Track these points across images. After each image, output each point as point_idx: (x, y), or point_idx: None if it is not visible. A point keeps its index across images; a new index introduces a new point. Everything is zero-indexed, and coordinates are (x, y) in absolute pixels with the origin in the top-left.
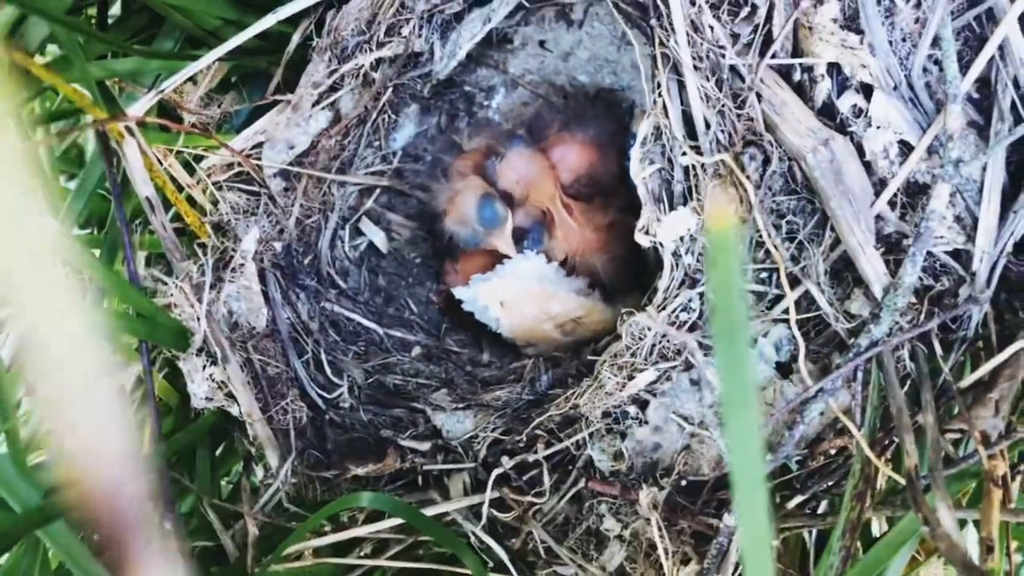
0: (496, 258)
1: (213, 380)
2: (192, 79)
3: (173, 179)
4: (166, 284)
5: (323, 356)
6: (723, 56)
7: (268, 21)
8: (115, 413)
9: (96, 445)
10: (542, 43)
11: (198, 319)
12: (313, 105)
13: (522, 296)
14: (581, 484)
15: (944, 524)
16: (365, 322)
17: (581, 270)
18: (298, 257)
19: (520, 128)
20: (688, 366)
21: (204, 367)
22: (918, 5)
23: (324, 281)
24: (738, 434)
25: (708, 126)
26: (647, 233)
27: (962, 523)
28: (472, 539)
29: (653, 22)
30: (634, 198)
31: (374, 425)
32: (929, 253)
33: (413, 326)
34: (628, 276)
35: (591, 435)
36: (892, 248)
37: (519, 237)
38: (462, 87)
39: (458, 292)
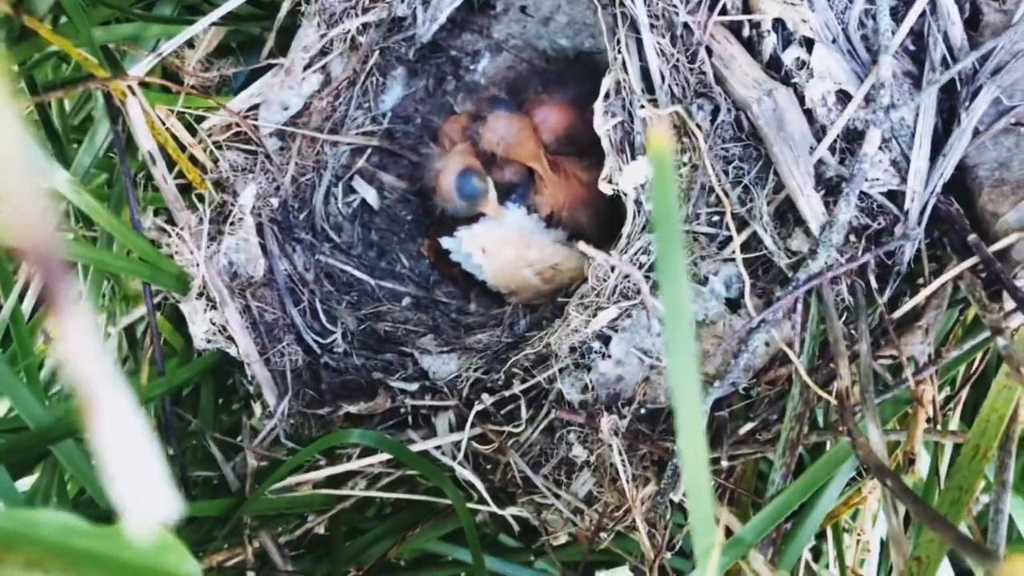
0: None
1: (213, 323)
2: (190, 44)
3: (175, 138)
4: (168, 233)
5: (318, 304)
6: (676, 14)
7: None
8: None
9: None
10: (523, 8)
11: (197, 264)
12: (305, 68)
13: (502, 243)
14: (553, 415)
15: (870, 438)
16: (358, 274)
17: (568, 223)
18: (294, 212)
19: (503, 91)
20: (645, 304)
21: (204, 310)
22: None
23: (319, 235)
24: (675, 340)
25: (663, 79)
26: (610, 182)
27: (895, 444)
28: (457, 473)
29: None
30: None
31: (366, 368)
32: (866, 194)
33: (404, 278)
34: (608, 229)
35: (560, 370)
36: (832, 191)
37: (506, 191)
38: (448, 51)
39: (445, 241)
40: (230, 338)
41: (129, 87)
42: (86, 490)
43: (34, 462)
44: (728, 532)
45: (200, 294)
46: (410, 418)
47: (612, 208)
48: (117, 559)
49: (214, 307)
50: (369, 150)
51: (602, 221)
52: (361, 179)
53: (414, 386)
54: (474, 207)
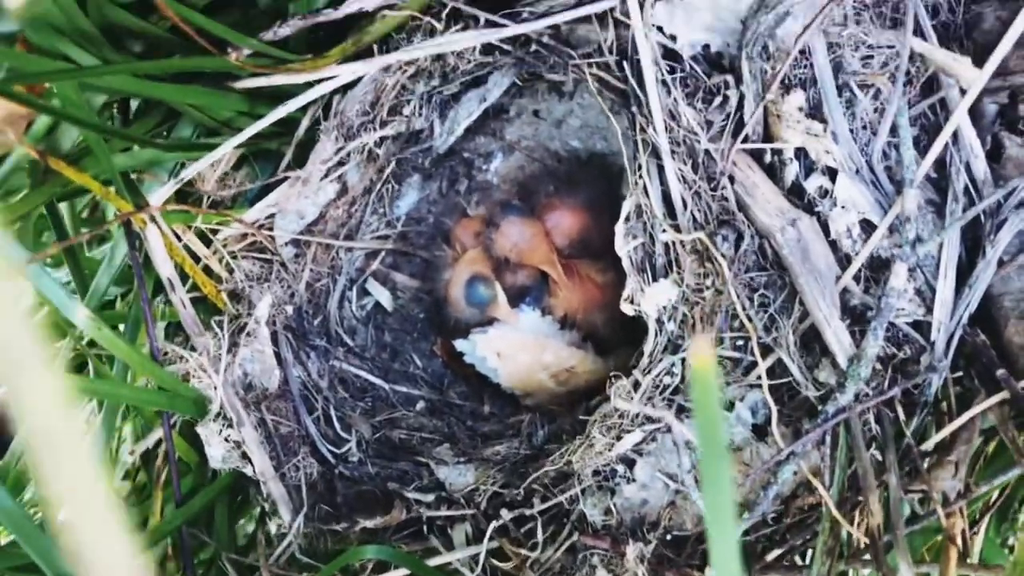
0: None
1: (229, 441)
2: (210, 163)
3: (191, 252)
4: (186, 358)
5: (332, 412)
6: (698, 141)
7: (280, 112)
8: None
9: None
10: (536, 112)
11: (215, 388)
12: (321, 179)
13: (516, 346)
14: (575, 537)
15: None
16: (372, 378)
17: (583, 325)
18: (308, 318)
19: (516, 193)
20: (671, 427)
21: (220, 431)
22: (876, 96)
23: (333, 340)
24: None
25: (685, 205)
26: (632, 302)
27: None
28: None
29: (633, 109)
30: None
31: (381, 478)
32: (892, 324)
33: (417, 380)
34: (622, 331)
35: (583, 491)
36: (857, 319)
37: (520, 295)
38: (461, 154)
39: (459, 344)
40: (245, 456)
41: (150, 217)
42: None
43: None
44: None
45: (217, 415)
46: (425, 528)
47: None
48: None
49: (230, 425)
50: (383, 253)
51: (616, 323)
52: (375, 281)
53: (430, 497)
54: (484, 313)
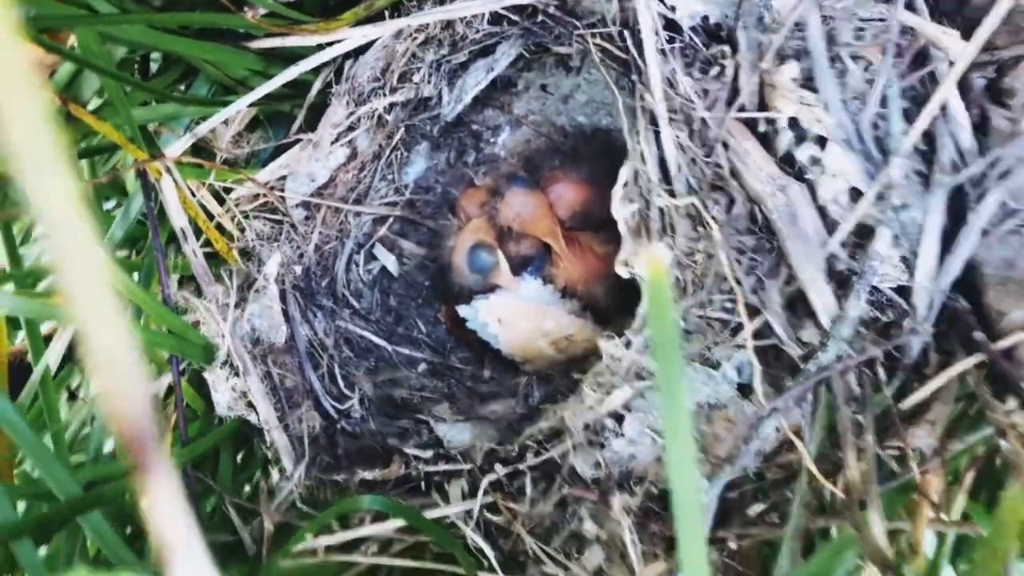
0: None
1: (235, 391)
2: (224, 121)
3: (204, 209)
4: (196, 306)
5: (337, 370)
6: (694, 109)
7: (292, 72)
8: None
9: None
10: (544, 87)
11: (223, 336)
12: (332, 143)
13: (518, 313)
14: (565, 491)
15: (873, 529)
16: (376, 340)
17: (583, 295)
18: (316, 279)
19: (522, 166)
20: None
21: (227, 379)
22: (867, 68)
23: (339, 301)
24: (676, 450)
25: (681, 171)
26: (626, 265)
27: (901, 531)
28: (469, 541)
29: (634, 78)
30: None
31: (382, 434)
32: (877, 289)
33: (420, 344)
34: (621, 302)
35: (574, 446)
36: (843, 283)
37: (523, 264)
38: (470, 126)
39: (461, 310)
40: (251, 405)
41: (166, 166)
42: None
43: (56, 530)
44: None
45: (224, 363)
46: (423, 484)
47: (627, 280)
48: None
49: (237, 375)
50: (391, 219)
51: (616, 293)
52: (382, 246)
53: (428, 453)
54: (487, 280)
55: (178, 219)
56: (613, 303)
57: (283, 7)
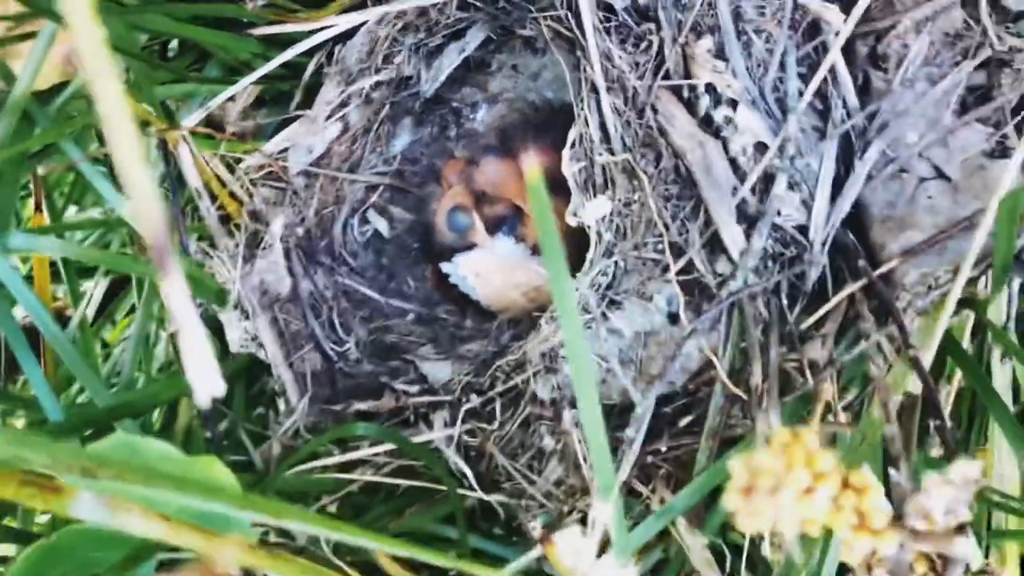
0: None
1: (246, 332)
2: (232, 99)
3: (218, 178)
4: (210, 255)
5: (335, 318)
6: (628, 79)
7: (287, 55)
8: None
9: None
10: (514, 67)
11: (234, 282)
12: (327, 119)
13: (493, 268)
14: (527, 411)
15: (771, 424)
16: (370, 292)
17: None
18: (316, 240)
19: (496, 137)
20: (604, 317)
21: (239, 320)
22: (768, 40)
23: (337, 260)
24: (572, 345)
25: (617, 132)
26: (575, 215)
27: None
28: (451, 463)
29: (578, 54)
30: None
31: (375, 374)
32: (780, 227)
33: (410, 298)
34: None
35: (534, 373)
36: (753, 224)
37: (497, 224)
38: (451, 103)
39: (443, 267)
40: (260, 344)
41: (182, 136)
42: None
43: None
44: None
45: (236, 306)
46: (411, 416)
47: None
48: (183, 475)
49: (247, 317)
50: (381, 187)
51: (580, 249)
52: (374, 212)
53: (415, 388)
54: (464, 239)
55: (194, 180)
56: (578, 258)
57: None
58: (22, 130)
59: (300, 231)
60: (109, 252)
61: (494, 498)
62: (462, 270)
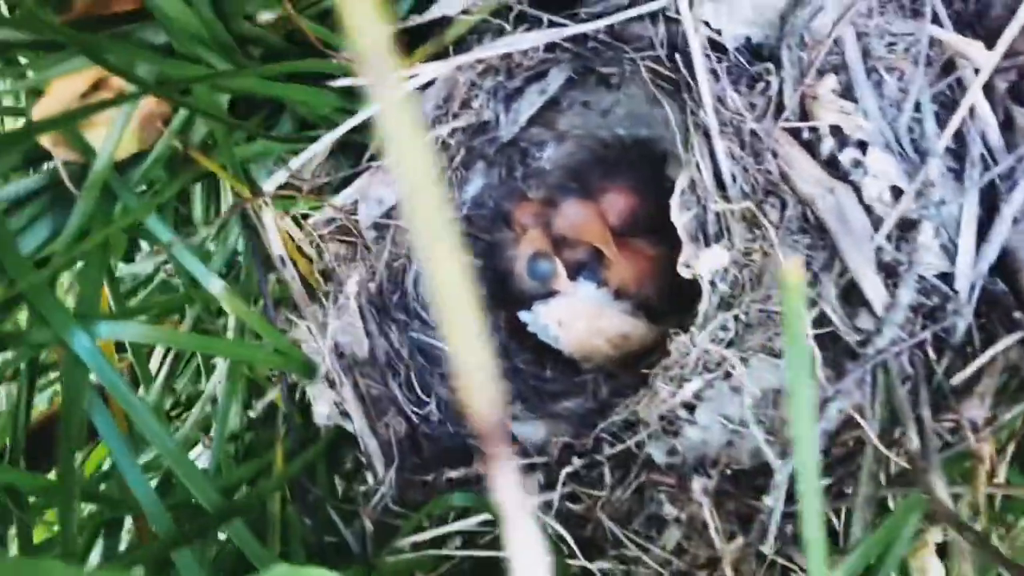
0: None
1: (336, 404)
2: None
3: (290, 236)
4: (298, 325)
5: (413, 378)
6: (743, 122)
7: (370, 110)
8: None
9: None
10: (585, 103)
11: (323, 352)
12: None
13: (576, 314)
14: (643, 478)
15: (938, 492)
16: (445, 347)
17: (634, 297)
18: (388, 295)
19: (567, 177)
20: (727, 375)
21: (327, 391)
22: (900, 78)
23: (410, 314)
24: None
25: (734, 179)
26: (687, 267)
27: (959, 495)
28: (548, 530)
29: (684, 96)
30: (671, 234)
31: (459, 436)
32: (921, 277)
33: None
34: (671, 301)
35: (649, 436)
36: (891, 273)
37: (578, 269)
38: (518, 143)
39: (522, 315)
40: (345, 414)
41: (264, 201)
42: None
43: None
44: None
45: (324, 376)
46: None
47: (672, 280)
48: None
49: (332, 386)
50: None
51: (666, 293)
52: None
53: None
54: (546, 286)
55: (277, 248)
56: (663, 302)
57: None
58: (102, 206)
59: (372, 287)
60: (208, 336)
61: (598, 566)
62: (543, 318)
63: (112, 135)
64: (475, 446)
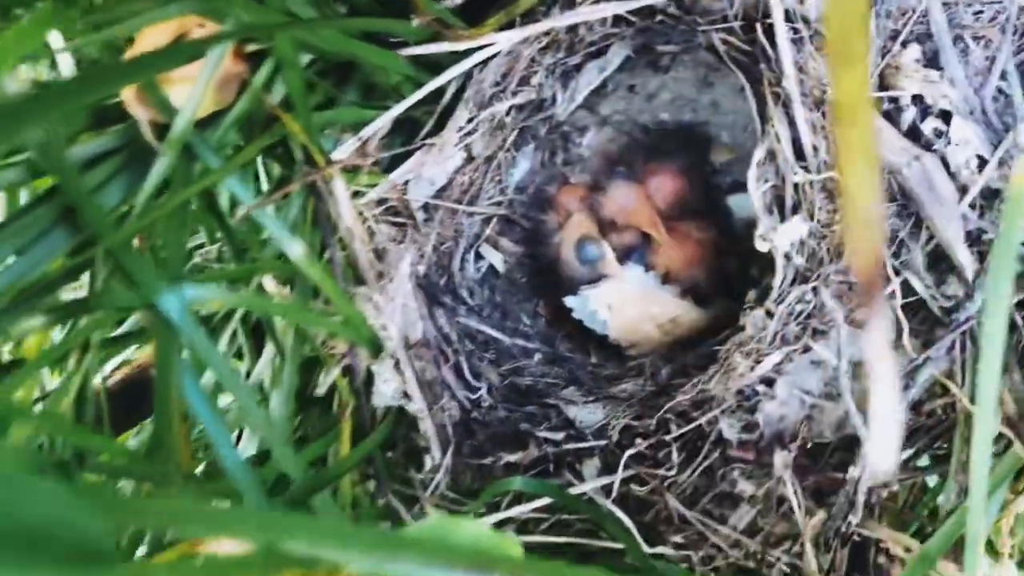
0: None
1: (400, 384)
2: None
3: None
4: (368, 300)
5: (463, 363)
6: (825, 92)
7: (442, 79)
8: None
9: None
10: (631, 87)
11: (388, 329)
12: (454, 147)
13: (626, 299)
14: (712, 457)
15: None
16: (493, 332)
17: (685, 280)
18: (436, 277)
19: (607, 161)
20: (806, 349)
21: (391, 370)
22: (987, 46)
23: (457, 298)
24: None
25: (815, 150)
26: (764, 239)
27: None
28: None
29: (762, 66)
30: (717, 218)
31: (512, 420)
32: None
33: (528, 335)
34: (720, 285)
35: (723, 412)
36: (975, 241)
37: (626, 253)
38: (561, 127)
39: (568, 301)
40: (406, 395)
41: (337, 170)
42: None
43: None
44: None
45: (390, 355)
46: (551, 466)
47: (722, 265)
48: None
49: (396, 367)
50: (495, 219)
51: (715, 277)
52: (487, 245)
53: (560, 435)
54: (595, 271)
55: (348, 220)
56: (712, 286)
57: (447, 13)
58: (181, 166)
59: (421, 269)
60: (291, 304)
61: (662, 550)
62: (592, 304)
63: (196, 90)
64: (529, 431)
